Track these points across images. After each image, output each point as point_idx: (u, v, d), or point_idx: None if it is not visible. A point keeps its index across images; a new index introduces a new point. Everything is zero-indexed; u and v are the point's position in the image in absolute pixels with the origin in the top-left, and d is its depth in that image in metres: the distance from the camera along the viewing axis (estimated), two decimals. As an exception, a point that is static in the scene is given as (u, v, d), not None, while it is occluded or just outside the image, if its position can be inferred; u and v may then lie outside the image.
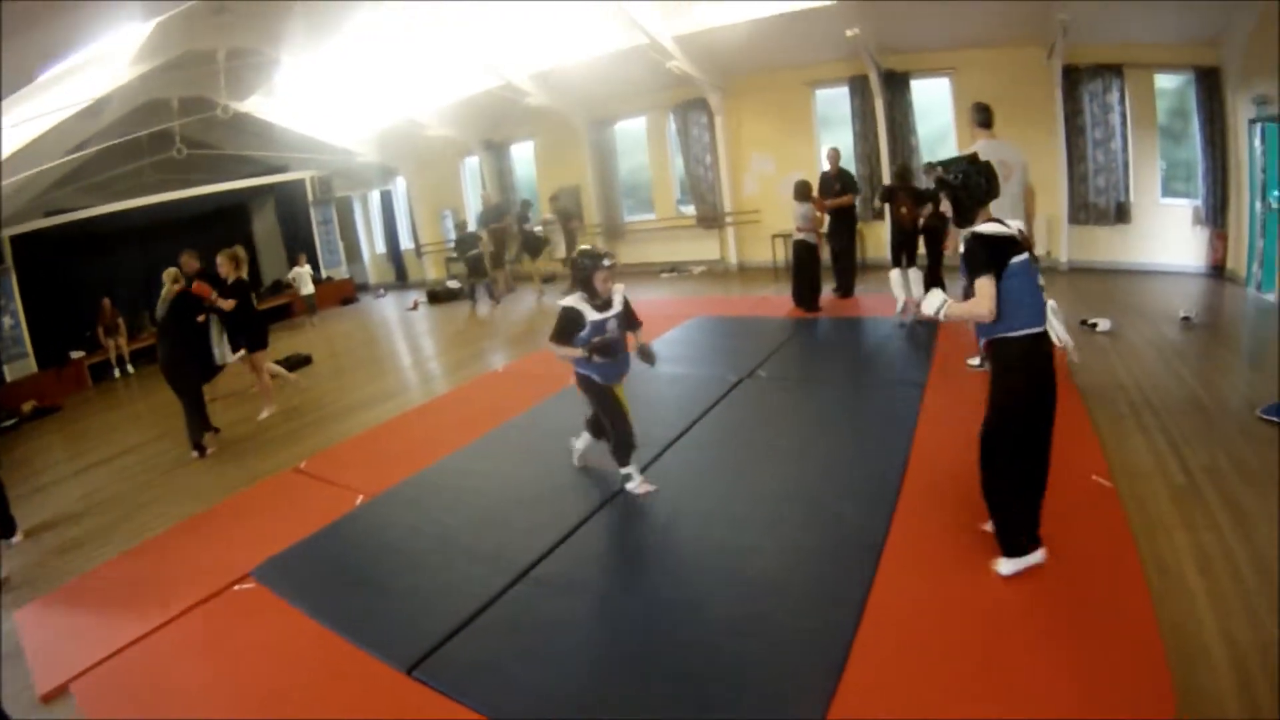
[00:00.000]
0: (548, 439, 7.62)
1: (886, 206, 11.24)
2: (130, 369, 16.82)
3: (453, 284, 18.64)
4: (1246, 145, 10.73)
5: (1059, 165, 13.15)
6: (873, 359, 9.45)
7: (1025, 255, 4.08)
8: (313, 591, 5.20)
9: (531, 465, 7.03)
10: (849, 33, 13.07)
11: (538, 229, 18.49)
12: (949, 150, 13.22)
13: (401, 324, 17.88)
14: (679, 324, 11.90)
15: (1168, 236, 12.65)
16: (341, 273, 23.77)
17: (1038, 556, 4.23)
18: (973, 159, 4.33)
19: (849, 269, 12.99)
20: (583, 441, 6.66)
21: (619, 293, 5.91)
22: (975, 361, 8.03)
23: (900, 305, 10.69)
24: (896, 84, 14.62)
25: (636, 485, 6.03)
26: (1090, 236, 13.39)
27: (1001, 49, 13.24)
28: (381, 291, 23.92)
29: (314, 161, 21.18)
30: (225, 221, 21.42)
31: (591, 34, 14.80)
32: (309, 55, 13.92)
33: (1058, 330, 4.18)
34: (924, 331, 9.81)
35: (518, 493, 6.42)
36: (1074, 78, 12.74)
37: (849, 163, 13.88)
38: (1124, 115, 12.53)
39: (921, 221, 10.03)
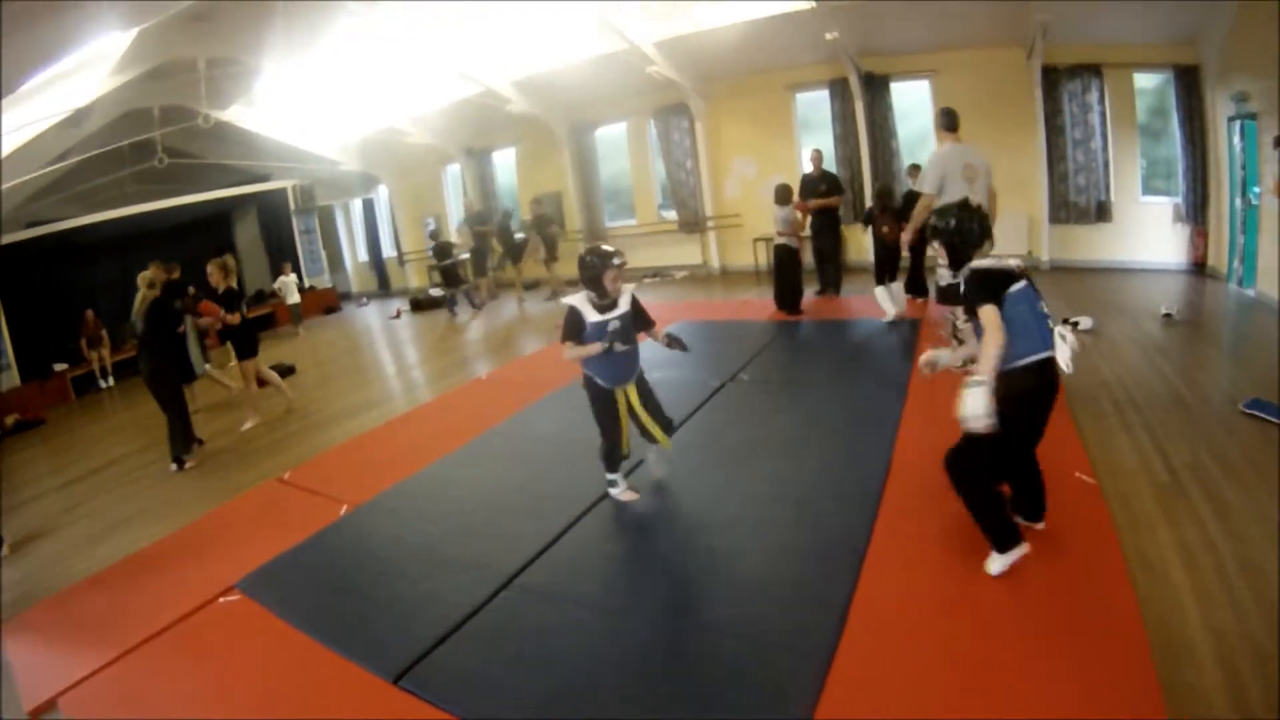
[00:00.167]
0: (531, 446, 7.62)
1: (869, 227, 11.23)
2: (113, 380, 16.71)
3: (435, 292, 18.62)
4: (1226, 142, 10.81)
5: (1039, 165, 13.22)
6: (855, 361, 9.43)
7: (1024, 283, 4.13)
8: (298, 602, 5.14)
9: (515, 473, 6.97)
10: (828, 36, 13.11)
11: (519, 235, 18.48)
12: (930, 152, 13.24)
13: (384, 332, 17.78)
14: (661, 329, 11.84)
15: (1148, 234, 12.72)
16: (324, 282, 23.70)
17: (1021, 550, 4.21)
18: (964, 205, 4.47)
19: (837, 269, 13.03)
20: (653, 453, 6.17)
21: (627, 293, 5.68)
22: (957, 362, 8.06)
23: (891, 317, 10.60)
24: (876, 87, 14.67)
25: (619, 492, 5.98)
26: (1071, 235, 13.45)
27: (981, 50, 13.31)
28: (364, 300, 23.91)
29: (296, 170, 21.09)
30: (207, 231, 21.35)
31: (572, 40, 14.77)
32: (290, 64, 13.88)
33: (1066, 357, 4.10)
34: (908, 332, 9.84)
35: (502, 500, 6.36)
36: (1053, 78, 12.80)
37: (830, 166, 13.89)
38: (1104, 114, 12.62)
39: (907, 239, 10.06)
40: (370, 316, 20.78)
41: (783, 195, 11.65)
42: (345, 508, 6.62)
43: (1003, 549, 4.18)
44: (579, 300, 5.55)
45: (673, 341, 5.83)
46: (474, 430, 8.21)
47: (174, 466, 8.87)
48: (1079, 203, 13.16)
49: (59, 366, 16.35)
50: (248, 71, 14.32)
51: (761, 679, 3.73)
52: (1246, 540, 4.43)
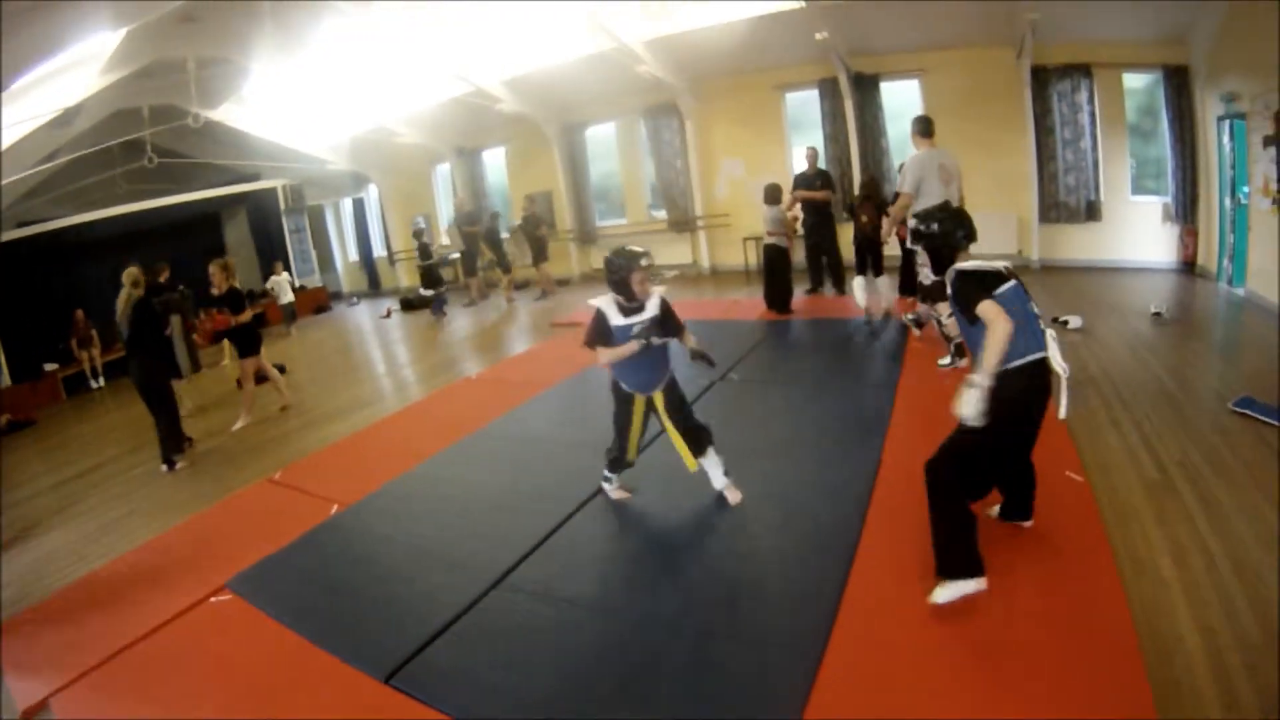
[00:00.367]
0: (521, 445, 7.63)
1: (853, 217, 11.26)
2: (104, 381, 16.63)
3: (426, 292, 18.60)
4: (1215, 142, 10.83)
5: (1029, 165, 13.24)
6: (844, 360, 9.45)
7: (1013, 283, 4.06)
8: (289, 602, 5.12)
9: (506, 472, 6.96)
10: (818, 36, 13.11)
11: (506, 235, 18.48)
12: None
13: (375, 332, 17.76)
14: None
15: (1138, 233, 12.77)
16: (314, 281, 23.63)
17: (979, 584, 3.95)
18: (944, 207, 4.46)
19: (835, 264, 13.06)
20: (709, 462, 5.72)
21: (656, 295, 5.35)
22: (945, 361, 8.12)
23: (864, 310, 10.73)
24: (866, 86, 14.66)
25: (612, 490, 5.97)
26: (1061, 235, 13.48)
27: (970, 50, 13.31)
28: (354, 300, 23.86)
29: (286, 170, 21.07)
30: (198, 231, 21.30)
31: (562, 39, 14.75)
32: (279, 63, 13.85)
33: (1058, 358, 4.04)
34: (896, 331, 9.86)
35: (492, 499, 6.35)
36: (1043, 78, 12.83)
37: (820, 165, 13.90)
38: (1093, 114, 12.64)
39: (885, 232, 10.07)
40: (361, 316, 20.73)
41: (772, 195, 11.65)
42: (336, 507, 6.61)
43: (954, 575, 3.95)
44: (605, 303, 5.30)
45: (698, 355, 5.40)
46: (464, 429, 8.19)
47: (164, 467, 8.84)
48: (1069, 202, 13.18)
49: (50, 367, 16.28)
50: (237, 71, 14.31)
51: (751, 678, 3.72)
52: (1236, 538, 4.43)
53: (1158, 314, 9.42)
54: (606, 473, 5.92)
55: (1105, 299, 10.84)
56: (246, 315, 9.96)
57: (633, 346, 5.16)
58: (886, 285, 10.61)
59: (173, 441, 8.98)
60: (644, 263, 5.12)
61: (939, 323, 8.06)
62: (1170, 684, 3.35)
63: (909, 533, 4.76)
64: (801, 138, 15.96)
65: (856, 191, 12.51)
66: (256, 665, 4.48)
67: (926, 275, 7.62)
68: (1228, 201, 10.63)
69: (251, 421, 10.23)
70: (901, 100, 14.65)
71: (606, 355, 5.27)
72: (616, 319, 5.21)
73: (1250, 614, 3.75)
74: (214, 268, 9.99)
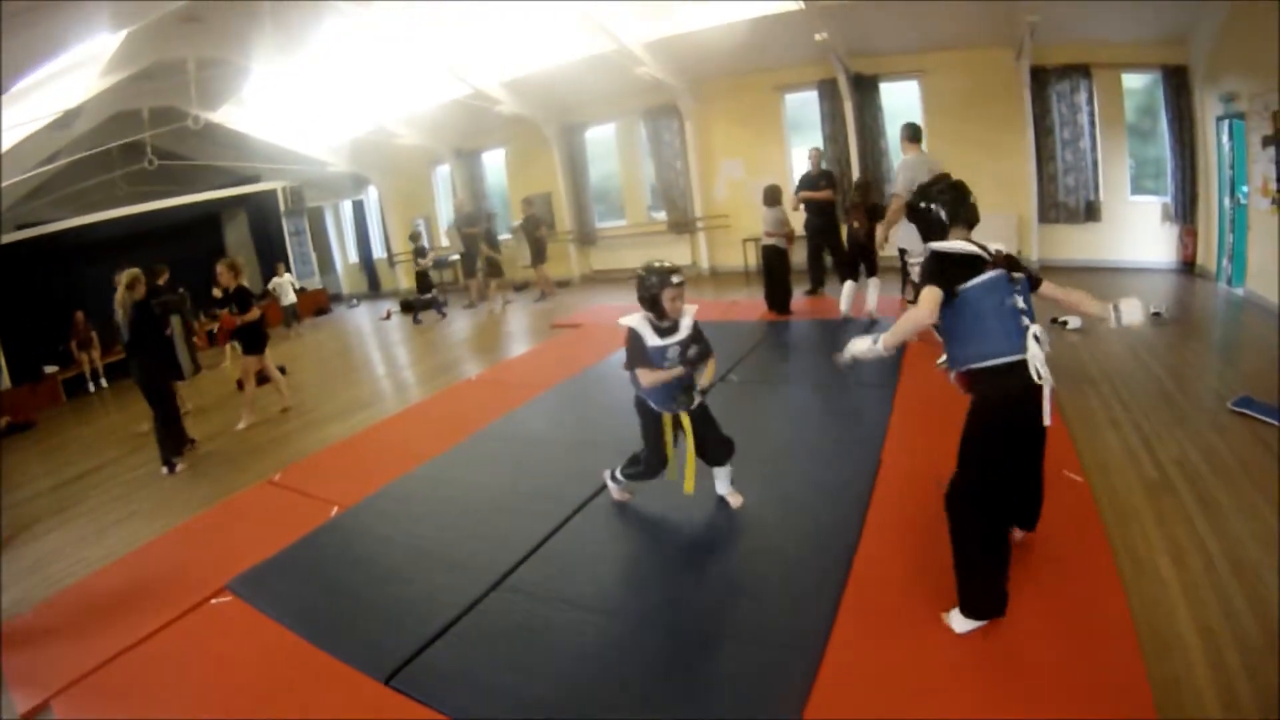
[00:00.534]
0: (521, 447, 7.64)
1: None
2: (104, 383, 16.62)
3: (432, 294, 18.58)
4: (1215, 142, 10.84)
5: (1028, 165, 13.24)
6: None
7: (996, 273, 3.66)
8: (289, 603, 5.12)
9: (505, 473, 6.97)
10: (817, 37, 13.12)
11: (505, 236, 18.46)
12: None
13: (375, 333, 17.76)
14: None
15: (1137, 234, 12.78)
16: (314, 283, 23.59)
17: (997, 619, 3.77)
18: (942, 178, 4.11)
19: (841, 263, 13.06)
20: (724, 487, 5.70)
21: (688, 315, 5.14)
22: (944, 360, 8.13)
23: (842, 313, 10.83)
24: (865, 87, 14.68)
25: (615, 490, 5.95)
26: (1061, 235, 13.50)
27: (970, 51, 13.32)
28: (354, 301, 23.84)
29: (286, 171, 21.03)
30: (197, 233, 21.20)
31: (561, 41, 14.76)
32: (279, 65, 13.86)
33: (1039, 363, 3.61)
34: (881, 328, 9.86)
35: (492, 501, 6.36)
36: (1042, 78, 12.84)
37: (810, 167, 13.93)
38: (1092, 115, 12.65)
39: (881, 236, 10.10)
40: (361, 318, 20.74)
41: (772, 197, 11.64)
42: (336, 509, 6.61)
43: (979, 615, 3.76)
44: (637, 322, 5.10)
45: (697, 390, 5.24)
46: (464, 431, 8.20)
47: (164, 469, 8.83)
48: (1068, 202, 13.20)
49: (49, 369, 16.26)
50: (237, 72, 14.31)
51: (752, 678, 3.73)
52: (1235, 537, 4.44)
53: (1157, 314, 9.42)
54: (619, 475, 5.81)
55: (1105, 299, 10.80)
56: (254, 313, 10.05)
57: (676, 373, 5.03)
58: (876, 287, 10.56)
59: (172, 443, 8.98)
60: (675, 280, 4.92)
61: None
62: (1170, 683, 3.35)
63: (908, 533, 4.77)
64: (801, 139, 16.02)
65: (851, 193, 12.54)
66: (257, 666, 4.48)
67: (918, 274, 7.64)
68: (1227, 201, 10.64)
69: (255, 422, 10.25)
70: (901, 101, 14.65)
71: (648, 379, 5.06)
72: (652, 339, 5.03)
73: (1249, 613, 3.75)
74: (221, 267, 10.12)
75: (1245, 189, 9.95)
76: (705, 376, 5.25)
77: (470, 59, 15.60)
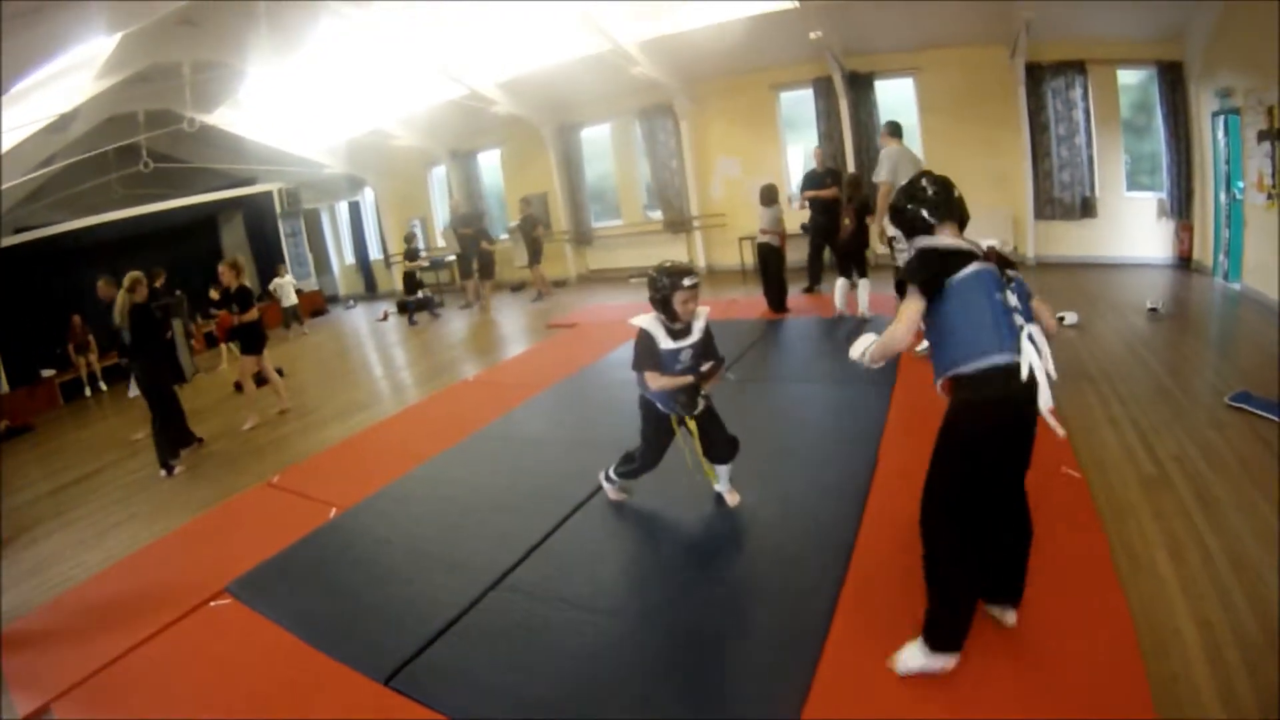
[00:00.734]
0: (518, 447, 7.64)
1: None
2: (102, 386, 16.61)
3: (423, 294, 18.56)
4: (1210, 138, 10.86)
5: (1023, 161, 13.26)
6: (840, 358, 9.43)
7: (981, 267, 3.31)
8: (288, 605, 5.13)
9: (503, 473, 6.97)
10: (812, 35, 13.13)
11: (503, 235, 18.46)
12: (913, 150, 13.28)
13: (372, 335, 17.77)
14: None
15: (1133, 229, 12.79)
16: (311, 284, 23.56)
17: (948, 662, 3.46)
18: (925, 174, 3.69)
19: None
20: (722, 485, 5.65)
21: (700, 317, 5.09)
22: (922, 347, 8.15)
23: (837, 311, 10.92)
24: (861, 85, 14.69)
25: (611, 490, 5.93)
26: (1056, 231, 13.51)
27: (965, 48, 13.33)
28: (351, 303, 23.83)
29: (282, 173, 21.04)
30: (194, 235, 21.26)
31: (556, 41, 14.75)
32: (274, 67, 13.85)
33: (1034, 363, 3.21)
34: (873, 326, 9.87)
35: (489, 501, 6.36)
36: (1037, 75, 12.84)
37: (813, 164, 13.92)
38: (1087, 111, 12.67)
39: (877, 229, 10.16)
40: (357, 319, 20.73)
41: (768, 196, 11.64)
42: (335, 510, 6.60)
43: (935, 646, 3.45)
44: (649, 322, 5.01)
45: (701, 395, 5.21)
46: (462, 432, 8.20)
47: (163, 472, 8.83)
48: (1064, 199, 13.21)
49: (47, 372, 16.26)
50: (233, 75, 14.28)
51: (750, 677, 3.73)
52: (1233, 533, 4.45)
53: (1154, 310, 9.44)
54: (613, 475, 5.79)
55: (1101, 295, 10.86)
56: (253, 313, 10.09)
57: (685, 381, 4.96)
58: (865, 288, 10.56)
59: (170, 445, 8.97)
60: (687, 283, 4.81)
61: None
62: (1168, 679, 3.36)
63: (906, 531, 4.76)
64: (796, 137, 16.08)
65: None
66: (256, 668, 4.48)
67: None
68: (1223, 197, 10.66)
69: (261, 422, 10.30)
70: (896, 99, 14.67)
71: (657, 383, 4.98)
72: (665, 342, 4.94)
73: (1248, 609, 3.75)
74: (223, 266, 10.27)
75: (1241, 184, 9.96)
76: (710, 382, 5.13)
77: (465, 59, 15.59)
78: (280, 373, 11.53)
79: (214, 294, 10.29)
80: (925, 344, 3.93)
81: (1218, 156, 10.72)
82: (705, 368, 4.98)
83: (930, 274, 3.35)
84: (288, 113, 18.06)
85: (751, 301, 12.68)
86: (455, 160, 20.83)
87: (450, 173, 21.12)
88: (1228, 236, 10.57)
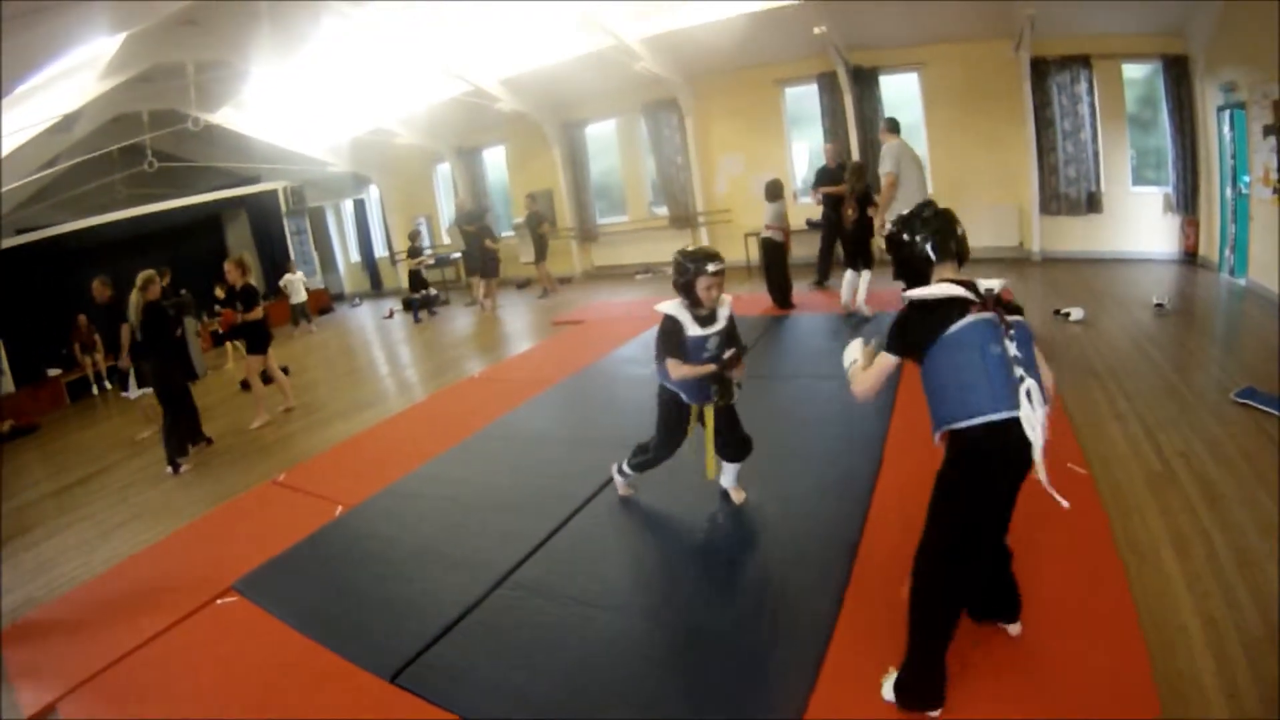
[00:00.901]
0: (523, 444, 7.67)
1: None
2: (108, 385, 16.62)
3: (427, 292, 18.58)
4: (1215, 132, 10.83)
5: (1029, 157, 13.22)
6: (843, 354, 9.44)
7: (977, 318, 3.05)
8: (295, 603, 5.14)
9: (508, 471, 6.99)
10: (816, 30, 13.09)
11: (508, 234, 18.46)
12: (918, 145, 13.25)
13: (378, 332, 17.80)
14: (654, 325, 11.86)
15: (1139, 224, 12.76)
16: (317, 283, 23.55)
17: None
18: (929, 205, 3.50)
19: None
20: (728, 481, 5.62)
21: (725, 305, 4.96)
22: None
23: (844, 306, 11.00)
24: (865, 80, 14.66)
25: (621, 484, 5.93)
26: (1062, 227, 13.47)
27: (969, 43, 13.28)
28: (357, 300, 23.87)
29: (286, 172, 21.11)
30: (199, 234, 21.39)
31: (560, 38, 14.74)
32: (278, 66, 13.85)
33: (1035, 423, 3.01)
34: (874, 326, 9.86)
35: (495, 498, 6.38)
36: (1042, 70, 12.80)
37: (819, 159, 13.90)
38: (1093, 106, 12.63)
39: (878, 223, 10.20)
40: (363, 317, 20.76)
41: (774, 191, 11.63)
42: (340, 508, 6.62)
43: (912, 703, 3.33)
44: (675, 308, 4.89)
45: (735, 384, 5.11)
46: (467, 429, 8.20)
47: (169, 470, 8.85)
48: (1069, 194, 13.17)
49: (53, 372, 16.33)
50: (237, 74, 14.28)
51: (754, 675, 3.73)
52: (1238, 528, 4.43)
53: (1159, 305, 9.41)
54: (626, 468, 5.76)
55: (1107, 290, 10.84)
56: (258, 312, 10.09)
57: (708, 369, 4.86)
58: (865, 280, 10.54)
59: (179, 443, 8.99)
60: (710, 269, 4.70)
61: None
62: (1173, 674, 3.36)
63: (911, 531, 4.75)
64: (801, 132, 16.12)
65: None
66: (263, 666, 4.49)
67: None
68: (1228, 191, 10.62)
69: (269, 421, 10.34)
70: (900, 94, 14.65)
71: (679, 371, 4.88)
72: (692, 329, 4.84)
73: (1253, 606, 3.74)
74: (229, 265, 10.29)
75: (1247, 179, 9.93)
76: (738, 372, 5.00)
77: (469, 57, 15.59)
78: (285, 371, 11.54)
79: (219, 292, 10.28)
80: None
81: (1223, 151, 10.69)
82: (727, 355, 4.87)
83: (906, 344, 3.25)
84: (291, 112, 18.08)
85: (755, 298, 12.65)
86: (460, 157, 20.84)
87: (455, 170, 21.12)
88: (1234, 231, 10.53)
